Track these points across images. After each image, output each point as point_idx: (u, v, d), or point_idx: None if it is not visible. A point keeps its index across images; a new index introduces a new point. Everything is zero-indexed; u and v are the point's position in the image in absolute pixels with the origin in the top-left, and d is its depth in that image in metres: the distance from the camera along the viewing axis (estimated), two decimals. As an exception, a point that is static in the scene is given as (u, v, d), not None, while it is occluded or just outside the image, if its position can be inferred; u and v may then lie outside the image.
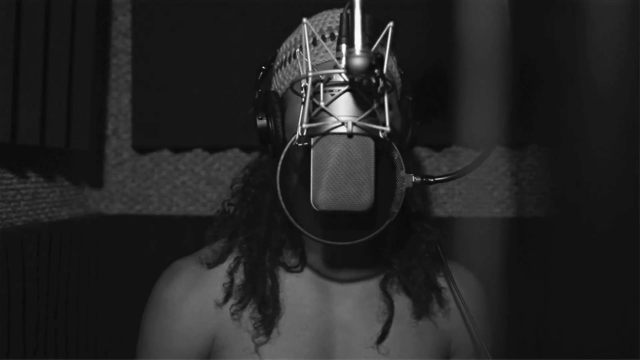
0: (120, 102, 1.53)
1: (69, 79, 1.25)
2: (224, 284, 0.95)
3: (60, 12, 1.20)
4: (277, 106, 0.89)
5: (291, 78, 0.90)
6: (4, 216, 1.16)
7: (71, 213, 1.41)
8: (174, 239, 1.48)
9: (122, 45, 1.52)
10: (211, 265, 0.97)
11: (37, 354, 1.17)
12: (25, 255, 1.14)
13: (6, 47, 1.06)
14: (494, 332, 1.04)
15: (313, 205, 0.72)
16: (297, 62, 0.89)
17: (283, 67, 0.93)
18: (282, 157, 0.78)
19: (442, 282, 1.00)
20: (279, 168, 0.78)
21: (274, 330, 0.92)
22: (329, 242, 0.80)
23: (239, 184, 1.05)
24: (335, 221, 0.84)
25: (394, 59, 0.94)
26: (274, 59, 0.98)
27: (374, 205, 0.73)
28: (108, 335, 1.45)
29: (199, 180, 1.53)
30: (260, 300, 0.93)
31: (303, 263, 0.97)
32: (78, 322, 1.34)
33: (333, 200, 0.71)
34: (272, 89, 0.96)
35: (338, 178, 0.70)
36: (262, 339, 0.92)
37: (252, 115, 0.90)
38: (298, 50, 0.89)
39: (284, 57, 0.94)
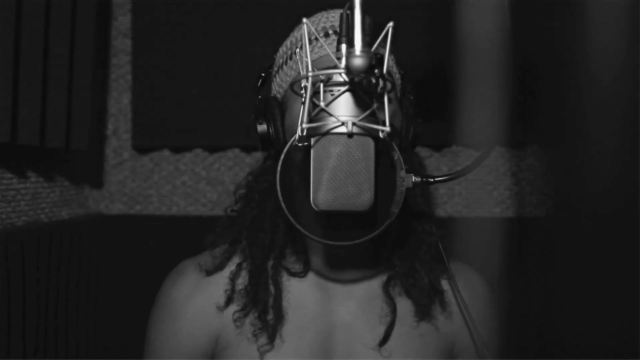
0: (120, 102, 1.53)
1: (69, 79, 1.25)
2: (225, 290, 0.95)
3: (60, 12, 1.20)
4: (277, 110, 0.90)
5: (289, 79, 0.91)
6: (4, 216, 1.16)
7: (71, 213, 1.41)
8: (174, 239, 1.48)
9: (122, 45, 1.52)
10: (210, 272, 0.97)
11: (37, 354, 1.17)
12: (25, 255, 1.14)
13: (6, 47, 1.06)
14: (499, 335, 1.03)
15: (313, 205, 0.72)
16: (294, 62, 0.90)
17: (281, 70, 0.94)
18: (282, 157, 0.78)
19: (445, 284, 0.99)
20: (279, 168, 0.78)
21: (277, 336, 0.93)
22: (329, 242, 0.81)
23: (242, 190, 1.04)
24: (335, 221, 0.84)
25: (393, 58, 0.94)
26: (272, 65, 0.98)
27: (374, 205, 0.73)
28: (108, 335, 1.45)
29: (199, 180, 1.52)
30: (263, 309, 0.93)
31: (307, 269, 0.97)
32: (78, 322, 1.34)
33: (333, 200, 0.71)
34: (272, 94, 0.96)
35: (338, 178, 0.70)
36: (266, 347, 0.92)
37: (253, 121, 0.91)
38: (298, 50, 0.89)
39: (282, 60, 0.94)
